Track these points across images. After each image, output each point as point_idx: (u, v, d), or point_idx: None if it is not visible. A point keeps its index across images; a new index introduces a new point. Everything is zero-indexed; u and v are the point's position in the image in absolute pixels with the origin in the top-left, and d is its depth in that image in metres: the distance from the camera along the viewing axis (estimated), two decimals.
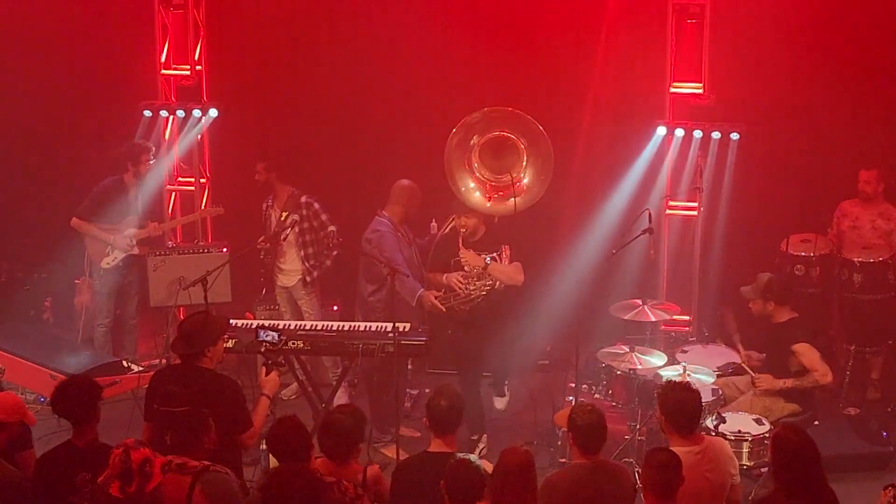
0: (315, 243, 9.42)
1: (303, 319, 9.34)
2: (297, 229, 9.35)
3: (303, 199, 9.41)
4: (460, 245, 8.36)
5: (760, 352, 8.59)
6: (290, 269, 9.53)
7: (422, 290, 8.56)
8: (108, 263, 9.75)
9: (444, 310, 8.45)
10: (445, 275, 8.42)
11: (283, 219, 9.35)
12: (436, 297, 8.40)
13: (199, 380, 6.41)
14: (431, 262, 8.63)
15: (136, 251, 9.82)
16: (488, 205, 8.46)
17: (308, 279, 9.46)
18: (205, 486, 5.42)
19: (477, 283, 8.34)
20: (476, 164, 8.47)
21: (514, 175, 8.37)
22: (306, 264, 9.43)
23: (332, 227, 9.38)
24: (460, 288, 8.33)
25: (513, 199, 8.33)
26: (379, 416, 8.68)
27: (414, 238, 9.08)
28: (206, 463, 5.60)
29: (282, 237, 9.36)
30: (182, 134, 10.36)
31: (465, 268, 8.35)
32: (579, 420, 5.83)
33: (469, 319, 8.39)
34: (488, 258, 8.36)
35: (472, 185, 8.46)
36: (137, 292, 10.04)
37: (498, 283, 8.35)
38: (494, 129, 8.43)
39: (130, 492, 5.25)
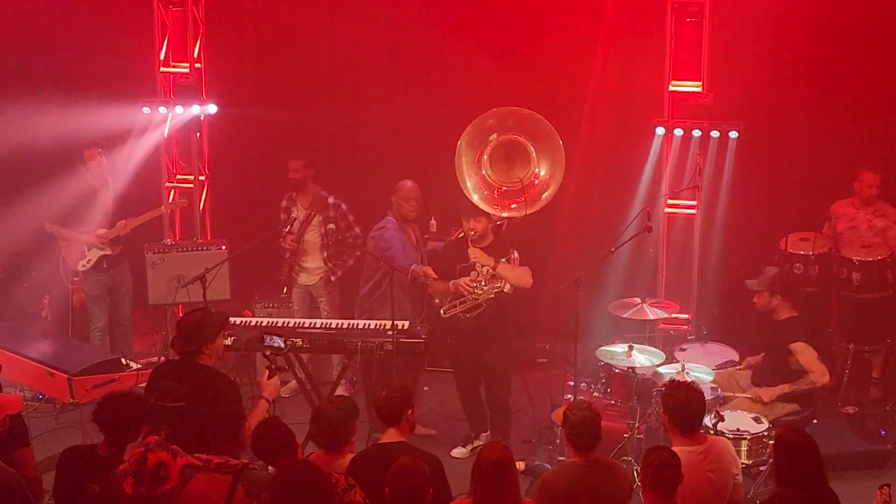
0: (339, 244, 9.44)
1: (315, 319, 9.30)
2: (323, 230, 9.38)
3: (330, 199, 9.44)
4: (469, 245, 8.22)
5: (760, 352, 8.60)
6: (313, 268, 9.55)
7: (414, 265, 8.53)
8: (83, 266, 9.70)
9: (435, 277, 8.40)
10: (452, 280, 8.30)
11: (308, 218, 9.35)
12: (443, 307, 8.30)
13: (196, 377, 6.42)
14: (437, 269, 8.53)
15: (108, 251, 9.76)
16: (504, 215, 8.35)
17: (333, 279, 9.48)
18: (246, 484, 5.44)
19: (485, 286, 8.23)
20: (487, 166, 8.37)
21: (525, 177, 8.29)
22: (329, 264, 9.45)
23: (331, 226, 9.39)
24: (468, 291, 8.22)
25: (528, 204, 8.23)
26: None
27: (423, 241, 9.05)
28: (245, 461, 5.63)
29: (287, 230, 9.36)
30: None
31: (476, 266, 8.23)
32: (573, 417, 5.83)
33: (473, 327, 8.31)
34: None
35: (471, 183, 8.35)
36: (129, 294, 9.99)
37: (507, 286, 8.20)
38: (503, 134, 8.30)
39: (141, 491, 5.26)
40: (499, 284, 8.21)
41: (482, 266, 8.20)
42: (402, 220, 8.84)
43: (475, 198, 8.30)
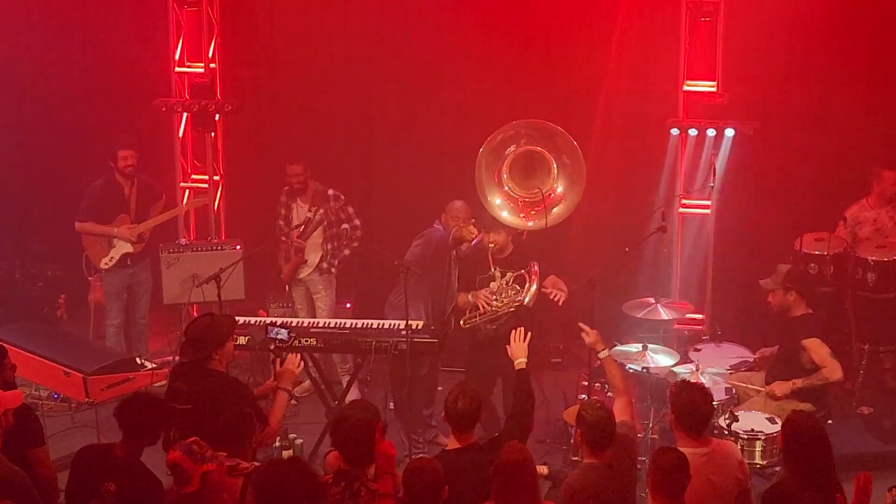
0: (339, 237, 9.46)
1: (329, 319, 9.31)
2: (325, 223, 9.39)
3: (330, 192, 9.45)
4: (489, 256, 8.15)
5: (774, 344, 8.60)
6: (313, 263, 9.56)
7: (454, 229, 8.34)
8: (106, 264, 9.72)
9: (477, 233, 8.20)
10: (471, 293, 8.24)
11: (311, 214, 9.36)
12: (463, 319, 8.25)
13: (206, 382, 6.44)
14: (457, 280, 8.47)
15: (132, 249, 9.73)
16: (523, 222, 8.28)
17: (333, 271, 9.49)
18: None
19: (504, 300, 8.15)
20: (506, 177, 8.34)
21: (545, 189, 8.26)
22: (327, 258, 9.48)
23: (345, 225, 9.40)
24: (486, 306, 8.16)
25: (544, 216, 8.16)
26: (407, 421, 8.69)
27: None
28: (257, 464, 5.62)
29: (299, 229, 9.36)
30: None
31: (492, 284, 8.19)
32: (589, 417, 5.75)
33: (493, 338, 8.23)
34: (510, 276, 8.19)
35: (498, 201, 8.28)
36: (148, 292, 10.03)
37: (526, 299, 8.10)
38: (524, 145, 8.24)
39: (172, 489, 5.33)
40: (518, 298, 8.15)
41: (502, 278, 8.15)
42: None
43: (504, 213, 8.26)
